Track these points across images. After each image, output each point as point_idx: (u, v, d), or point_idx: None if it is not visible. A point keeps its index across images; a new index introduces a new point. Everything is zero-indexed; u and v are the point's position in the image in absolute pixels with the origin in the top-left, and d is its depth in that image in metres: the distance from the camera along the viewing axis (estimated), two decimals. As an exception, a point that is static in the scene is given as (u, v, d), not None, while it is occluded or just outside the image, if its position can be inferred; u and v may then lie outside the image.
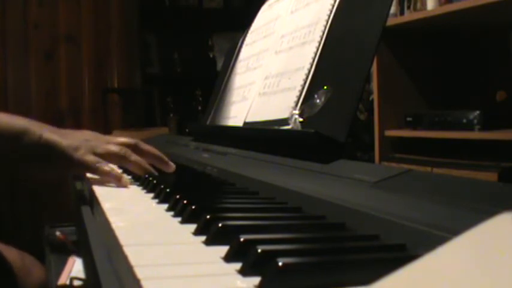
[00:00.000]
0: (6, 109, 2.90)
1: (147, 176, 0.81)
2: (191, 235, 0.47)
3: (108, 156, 0.85)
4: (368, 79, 2.01)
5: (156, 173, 0.87)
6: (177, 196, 0.58)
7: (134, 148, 0.89)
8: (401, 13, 2.10)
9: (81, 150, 0.82)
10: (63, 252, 1.28)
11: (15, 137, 0.79)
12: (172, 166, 0.90)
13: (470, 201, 0.40)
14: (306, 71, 0.83)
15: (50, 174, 0.95)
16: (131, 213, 0.60)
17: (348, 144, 0.67)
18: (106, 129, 2.84)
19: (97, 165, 0.81)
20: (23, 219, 2.95)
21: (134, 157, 0.87)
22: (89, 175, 0.85)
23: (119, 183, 0.80)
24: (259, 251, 0.35)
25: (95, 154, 0.83)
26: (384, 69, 2.12)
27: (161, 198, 0.64)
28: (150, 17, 3.18)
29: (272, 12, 1.12)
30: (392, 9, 2.06)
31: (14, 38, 3.02)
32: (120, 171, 0.95)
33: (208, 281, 0.34)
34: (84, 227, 0.59)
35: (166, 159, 0.90)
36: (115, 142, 0.88)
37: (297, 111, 0.79)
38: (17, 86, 3.02)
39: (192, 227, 0.48)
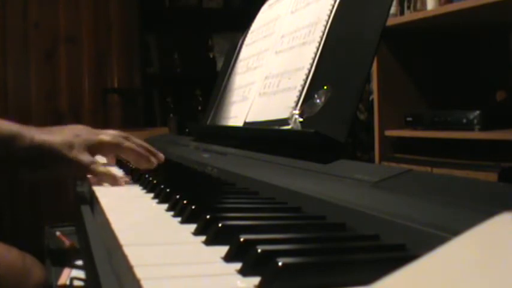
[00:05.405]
0: (6, 109, 2.91)
1: (147, 175, 0.81)
2: (191, 235, 0.47)
3: (102, 147, 0.85)
4: (368, 79, 2.01)
5: (155, 161, 0.87)
6: (177, 196, 0.58)
7: (126, 138, 0.88)
8: (401, 13, 2.10)
9: (75, 148, 0.80)
10: (64, 252, 1.28)
11: (5, 142, 0.79)
12: (160, 156, 0.90)
13: (470, 201, 0.40)
14: (306, 71, 0.83)
15: (48, 175, 0.94)
16: (131, 213, 0.60)
17: (348, 144, 0.67)
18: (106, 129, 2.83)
19: (92, 166, 0.80)
20: (23, 219, 2.94)
21: (127, 143, 0.87)
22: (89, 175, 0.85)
23: (115, 182, 0.79)
24: (259, 251, 0.35)
25: (89, 147, 0.82)
26: (384, 69, 2.12)
27: (161, 198, 0.64)
28: (150, 17, 3.18)
29: (272, 12, 1.12)
30: (393, 9, 2.06)
31: (14, 38, 3.02)
32: (120, 173, 0.95)
33: (208, 281, 0.34)
34: (84, 227, 0.59)
35: (155, 151, 0.90)
36: (106, 133, 0.87)
37: (297, 111, 0.79)
38: (17, 86, 3.02)
39: (192, 227, 0.48)
